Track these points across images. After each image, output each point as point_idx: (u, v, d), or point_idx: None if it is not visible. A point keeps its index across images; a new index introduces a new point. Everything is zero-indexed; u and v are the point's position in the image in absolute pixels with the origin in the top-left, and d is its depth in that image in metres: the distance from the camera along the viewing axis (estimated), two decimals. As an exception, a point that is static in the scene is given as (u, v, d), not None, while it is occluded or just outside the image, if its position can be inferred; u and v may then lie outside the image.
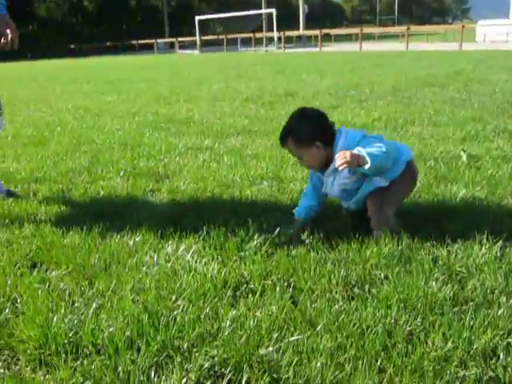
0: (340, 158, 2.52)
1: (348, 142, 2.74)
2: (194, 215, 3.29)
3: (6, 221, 3.41)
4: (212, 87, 11.69)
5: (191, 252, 2.72)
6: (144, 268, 2.59)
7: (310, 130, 2.74)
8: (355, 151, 2.56)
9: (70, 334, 2.05)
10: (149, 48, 53.99)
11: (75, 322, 2.14)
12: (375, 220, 2.78)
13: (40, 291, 2.40)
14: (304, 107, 2.98)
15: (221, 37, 47.71)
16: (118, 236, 2.99)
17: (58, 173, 4.52)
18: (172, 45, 55.78)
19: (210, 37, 50.87)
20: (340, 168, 2.54)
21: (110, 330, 2.06)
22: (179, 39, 51.94)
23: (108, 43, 59.29)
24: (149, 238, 2.90)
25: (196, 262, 2.63)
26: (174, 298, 2.28)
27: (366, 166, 2.54)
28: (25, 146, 5.86)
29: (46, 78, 19.21)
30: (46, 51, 65.56)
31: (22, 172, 4.59)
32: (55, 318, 2.15)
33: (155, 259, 2.68)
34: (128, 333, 2.03)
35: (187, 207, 3.46)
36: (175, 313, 2.16)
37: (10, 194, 3.96)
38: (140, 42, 54.84)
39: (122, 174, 4.36)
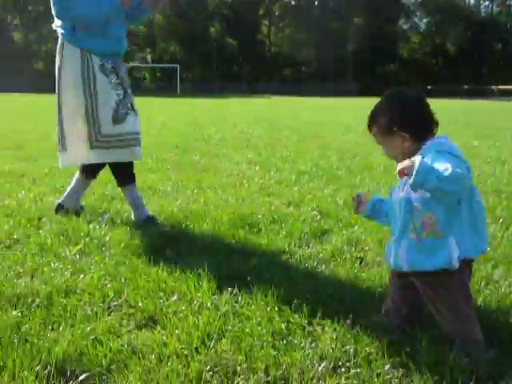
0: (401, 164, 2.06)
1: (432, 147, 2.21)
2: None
3: None
4: None
5: None
6: None
7: (397, 116, 2.29)
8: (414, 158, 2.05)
9: None
10: (509, 94, 51.81)
11: None
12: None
13: None
14: (401, 88, 2.50)
15: None
16: None
17: None
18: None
19: None
20: (398, 175, 2.08)
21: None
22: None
23: (465, 86, 58.80)
24: None
25: None
26: None
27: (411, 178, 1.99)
28: None
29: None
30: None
31: None
32: None
33: None
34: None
35: None
36: None
37: (148, 220, 4.01)
38: (500, 87, 53.13)
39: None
